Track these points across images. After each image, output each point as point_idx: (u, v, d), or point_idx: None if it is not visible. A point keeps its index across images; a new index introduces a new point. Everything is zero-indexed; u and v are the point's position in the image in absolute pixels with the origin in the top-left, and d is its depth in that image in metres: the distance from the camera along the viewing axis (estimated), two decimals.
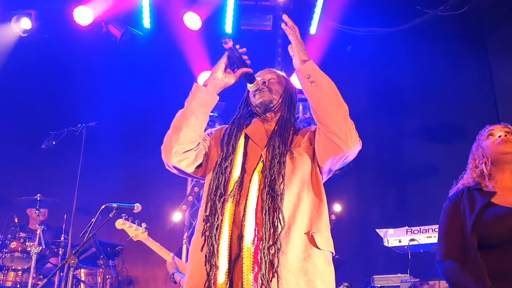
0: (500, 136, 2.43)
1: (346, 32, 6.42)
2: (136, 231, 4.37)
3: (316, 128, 2.20)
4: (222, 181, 2.13)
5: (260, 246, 1.95)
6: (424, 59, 6.79)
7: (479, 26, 6.68)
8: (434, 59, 6.70)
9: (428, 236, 4.15)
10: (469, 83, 6.54)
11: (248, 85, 2.33)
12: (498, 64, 6.48)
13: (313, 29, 6.44)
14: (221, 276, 1.96)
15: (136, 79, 6.66)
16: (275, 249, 1.95)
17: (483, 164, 2.45)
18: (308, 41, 6.41)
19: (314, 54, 6.29)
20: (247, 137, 2.29)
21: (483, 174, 2.45)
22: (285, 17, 2.23)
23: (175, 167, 2.20)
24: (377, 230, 4.41)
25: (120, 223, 4.36)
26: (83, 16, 6.06)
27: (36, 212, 5.28)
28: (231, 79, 2.27)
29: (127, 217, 4.38)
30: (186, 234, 6.20)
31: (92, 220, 4.01)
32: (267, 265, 1.93)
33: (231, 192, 2.10)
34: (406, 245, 4.19)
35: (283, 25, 2.22)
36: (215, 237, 2.01)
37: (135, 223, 4.36)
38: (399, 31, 6.30)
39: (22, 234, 5.13)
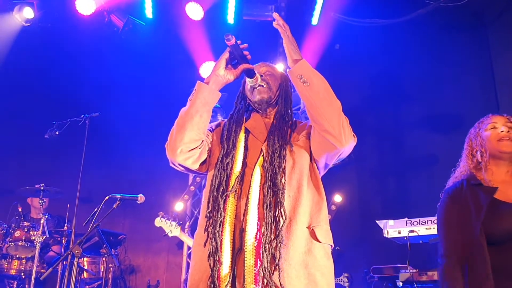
0: (502, 132, 2.38)
1: (348, 23, 6.41)
2: (170, 227, 4.98)
3: None
4: (224, 177, 2.16)
5: (262, 240, 1.99)
6: (426, 50, 6.79)
7: (480, 16, 6.66)
8: (436, 50, 6.70)
9: (427, 227, 4.18)
10: (469, 74, 6.55)
11: (248, 80, 2.35)
12: (499, 55, 6.47)
13: (315, 20, 6.42)
14: (224, 269, 2.00)
15: (138, 69, 6.66)
16: (276, 243, 1.98)
17: (480, 154, 2.42)
18: (310, 32, 6.41)
19: (315, 45, 6.29)
20: (247, 131, 2.31)
21: (479, 164, 2.43)
22: (275, 15, 2.23)
23: (180, 165, 2.22)
24: (377, 221, 4.44)
25: (158, 221, 5.00)
26: (85, 5, 6.04)
27: (40, 201, 5.32)
28: (232, 75, 2.28)
29: (163, 215, 5.02)
30: (188, 223, 6.26)
31: (96, 209, 4.07)
32: (269, 259, 1.97)
33: (232, 187, 2.13)
34: (406, 236, 4.22)
35: (274, 24, 2.22)
36: (219, 233, 2.04)
37: (169, 220, 4.97)
38: (401, 22, 6.28)
39: (26, 223, 5.17)
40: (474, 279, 2.18)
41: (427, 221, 4.22)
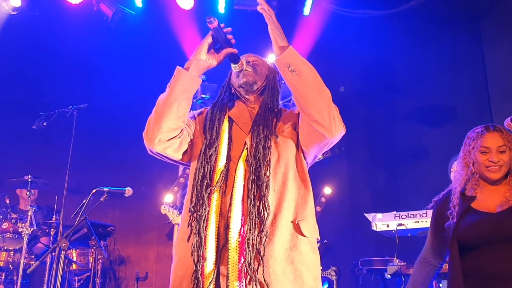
0: (492, 161, 2.39)
1: (340, 13, 6.37)
2: (173, 215, 4.94)
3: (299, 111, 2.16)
4: (208, 170, 2.10)
5: (246, 236, 1.95)
6: (418, 42, 6.76)
7: (472, 9, 6.65)
8: (428, 42, 6.68)
9: (415, 221, 4.18)
10: (461, 66, 6.53)
11: (233, 65, 2.26)
12: (490, 48, 6.47)
13: (307, 10, 6.40)
14: (209, 266, 1.96)
15: (127, 59, 6.57)
16: (261, 238, 1.95)
17: (471, 170, 2.47)
18: (302, 22, 6.37)
19: (307, 35, 6.25)
20: (231, 120, 2.25)
21: (473, 175, 2.47)
22: None
23: (159, 154, 2.15)
24: (365, 215, 4.44)
25: (163, 209, 5.01)
26: None
27: (28, 193, 5.27)
28: (214, 60, 2.17)
29: (168, 202, 5.08)
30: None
31: (84, 201, 4.04)
32: (253, 255, 1.93)
33: (217, 183, 2.07)
34: (394, 230, 4.22)
35: (258, 8, 2.12)
36: (203, 229, 1.99)
37: (172, 207, 4.97)
38: (394, 13, 6.26)
39: (13, 215, 5.14)
40: (450, 279, 2.42)
41: (416, 214, 4.22)
